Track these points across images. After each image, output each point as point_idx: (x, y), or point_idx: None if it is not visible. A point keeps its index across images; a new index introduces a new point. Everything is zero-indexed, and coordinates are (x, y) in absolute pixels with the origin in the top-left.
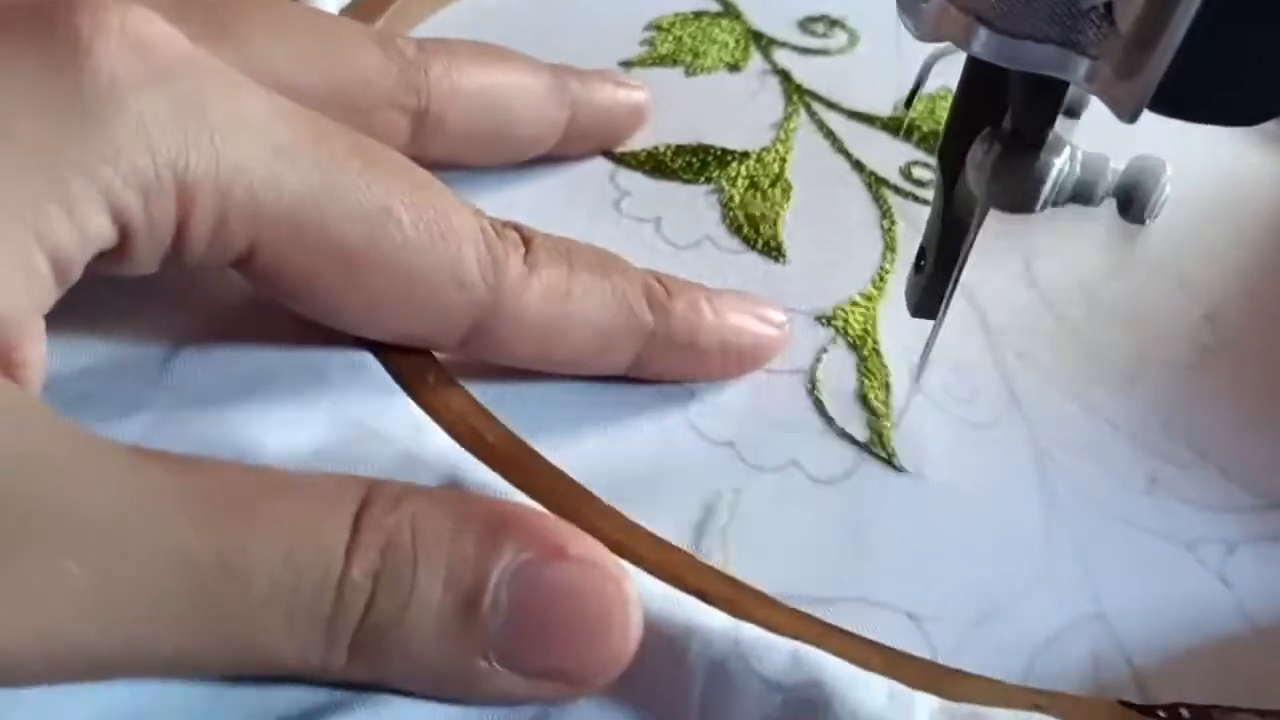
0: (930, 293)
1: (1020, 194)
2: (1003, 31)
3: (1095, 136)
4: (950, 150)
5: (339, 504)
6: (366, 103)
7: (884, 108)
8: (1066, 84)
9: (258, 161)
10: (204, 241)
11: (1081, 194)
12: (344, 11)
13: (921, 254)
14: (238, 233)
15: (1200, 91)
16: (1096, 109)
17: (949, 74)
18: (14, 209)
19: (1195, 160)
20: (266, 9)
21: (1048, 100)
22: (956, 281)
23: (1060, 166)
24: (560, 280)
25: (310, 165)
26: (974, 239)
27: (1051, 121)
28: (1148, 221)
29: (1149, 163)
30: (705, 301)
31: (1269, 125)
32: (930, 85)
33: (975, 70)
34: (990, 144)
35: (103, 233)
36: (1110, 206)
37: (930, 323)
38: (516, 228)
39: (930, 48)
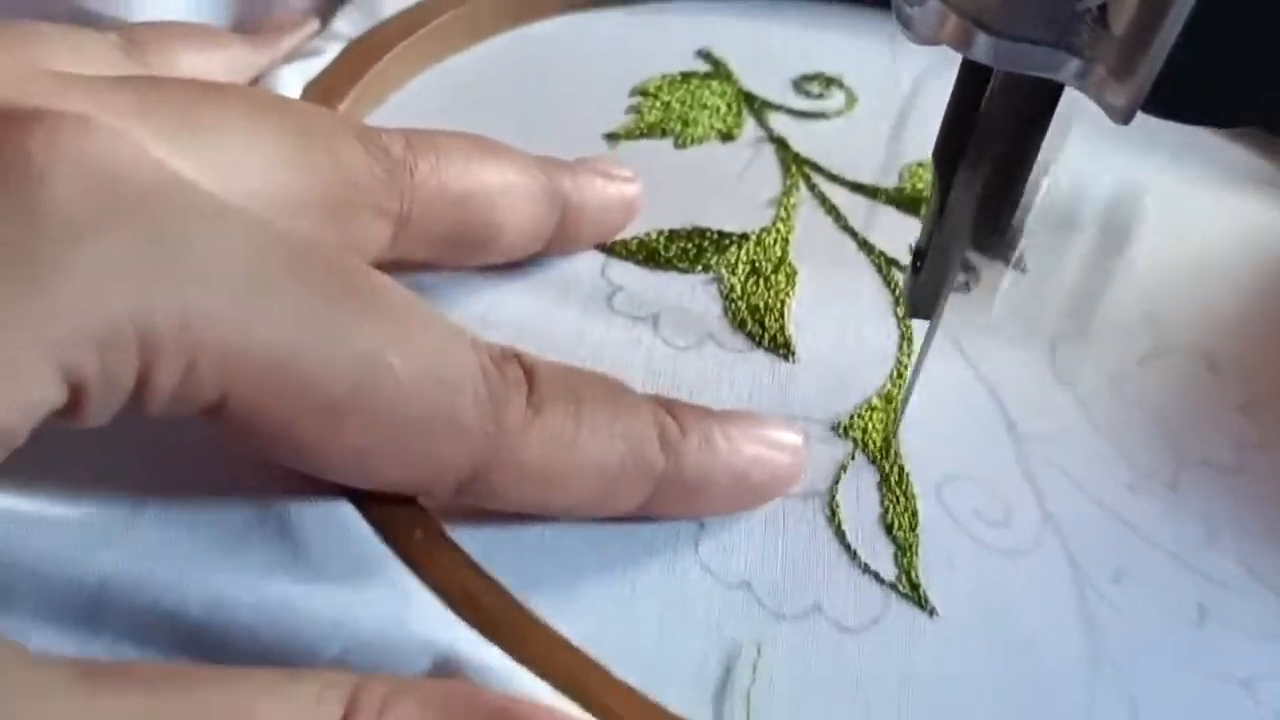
0: (927, 295)
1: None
2: (1000, 35)
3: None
4: (946, 150)
5: (321, 713)
6: (348, 207)
7: (889, 178)
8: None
9: (231, 305)
10: (168, 393)
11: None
12: (311, 86)
13: (918, 255)
14: (207, 383)
15: (1193, 93)
16: None
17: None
18: None
19: (1211, 229)
20: (240, 102)
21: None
22: (950, 284)
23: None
24: (566, 425)
25: (291, 307)
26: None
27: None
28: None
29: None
30: (719, 435)
31: None
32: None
33: (971, 71)
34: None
35: (53, 396)
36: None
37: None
38: (518, 357)
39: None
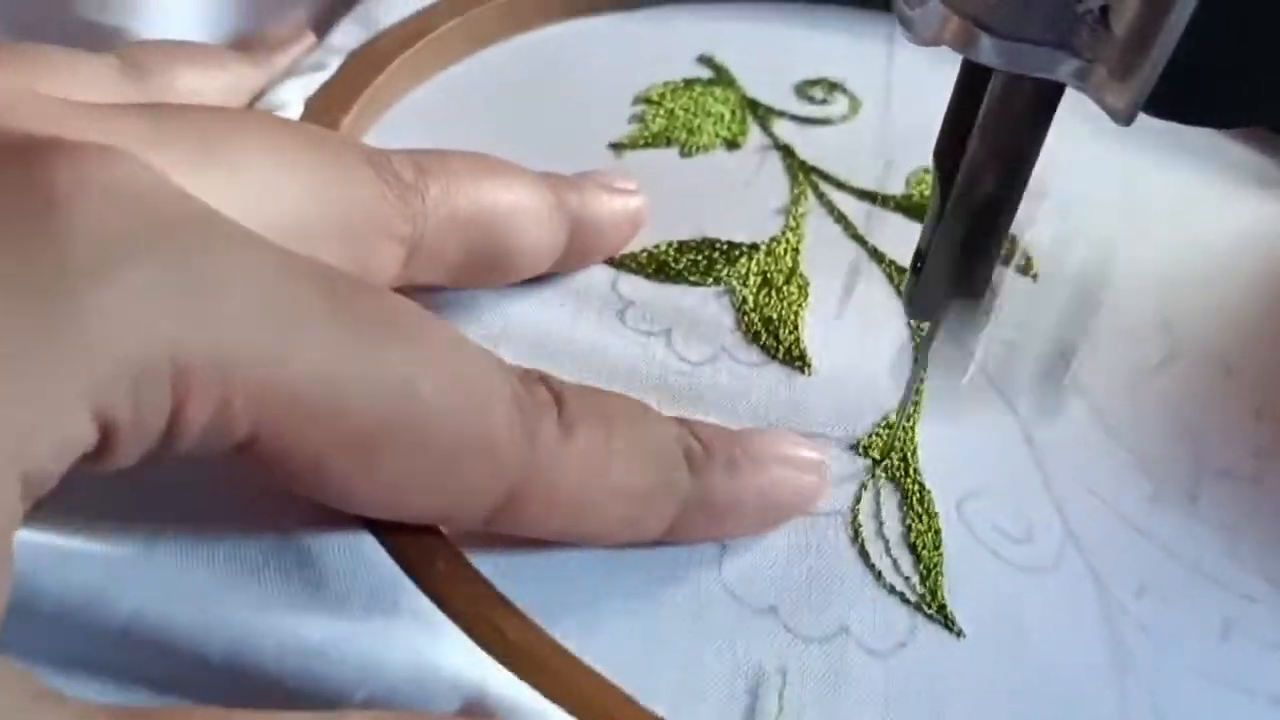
0: (928, 296)
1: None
2: (1000, 35)
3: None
4: (947, 151)
5: None
6: (362, 233)
7: (895, 184)
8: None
9: (265, 338)
10: (199, 432)
11: None
12: (312, 100)
13: (918, 257)
14: (240, 420)
15: (1195, 94)
16: None
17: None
18: None
19: (1222, 232)
20: (253, 129)
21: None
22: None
23: None
24: (597, 449)
25: (324, 337)
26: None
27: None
28: None
29: None
30: (743, 456)
31: None
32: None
33: (972, 72)
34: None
35: (85, 438)
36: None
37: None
38: (543, 380)
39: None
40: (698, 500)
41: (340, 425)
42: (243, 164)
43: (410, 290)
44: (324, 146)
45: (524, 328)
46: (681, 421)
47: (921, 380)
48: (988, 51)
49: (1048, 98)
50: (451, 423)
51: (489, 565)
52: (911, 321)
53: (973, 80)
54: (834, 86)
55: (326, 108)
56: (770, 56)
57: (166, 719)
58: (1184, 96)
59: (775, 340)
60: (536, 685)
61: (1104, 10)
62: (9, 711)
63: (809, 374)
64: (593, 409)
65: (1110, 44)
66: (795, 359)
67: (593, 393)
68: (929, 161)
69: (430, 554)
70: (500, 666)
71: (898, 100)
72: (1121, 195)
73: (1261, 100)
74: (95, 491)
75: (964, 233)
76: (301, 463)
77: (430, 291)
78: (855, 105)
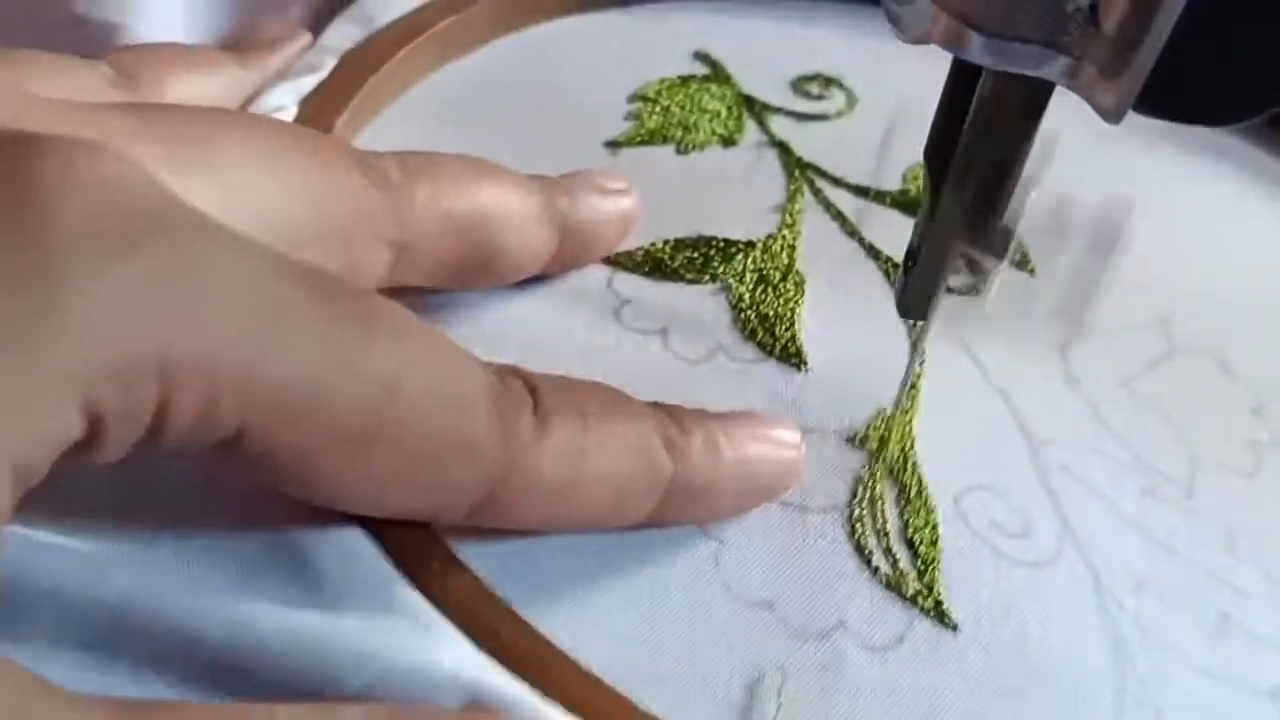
0: (919, 295)
1: None
2: (989, 34)
3: None
4: (937, 149)
5: None
6: (349, 235)
7: (892, 180)
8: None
9: (249, 335)
10: (185, 427)
11: None
12: (309, 98)
13: (910, 255)
14: (225, 416)
15: (1184, 92)
16: None
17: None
18: None
19: (1219, 228)
20: (238, 127)
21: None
22: (942, 286)
23: None
24: (574, 438)
25: (308, 335)
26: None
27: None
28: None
29: None
30: (721, 435)
31: None
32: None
33: (961, 70)
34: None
35: (72, 430)
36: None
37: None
38: (517, 373)
39: None
40: (678, 482)
41: (324, 423)
42: (229, 164)
43: (401, 290)
44: (311, 147)
45: (519, 327)
46: (658, 406)
47: (918, 375)
48: (977, 50)
49: (1038, 96)
50: (433, 421)
51: (483, 558)
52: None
53: (962, 78)
54: (830, 82)
55: (320, 109)
56: (766, 52)
57: (162, 713)
58: (1174, 94)
59: (771, 337)
60: (534, 684)
61: (1093, 8)
62: (3, 704)
63: (805, 370)
64: (568, 400)
65: (1099, 42)
66: (791, 355)
67: (567, 383)
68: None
69: (425, 552)
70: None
71: (894, 95)
72: (1120, 190)
73: (1252, 96)
74: (90, 487)
75: (955, 231)
76: (286, 460)
77: (422, 291)
78: (852, 100)
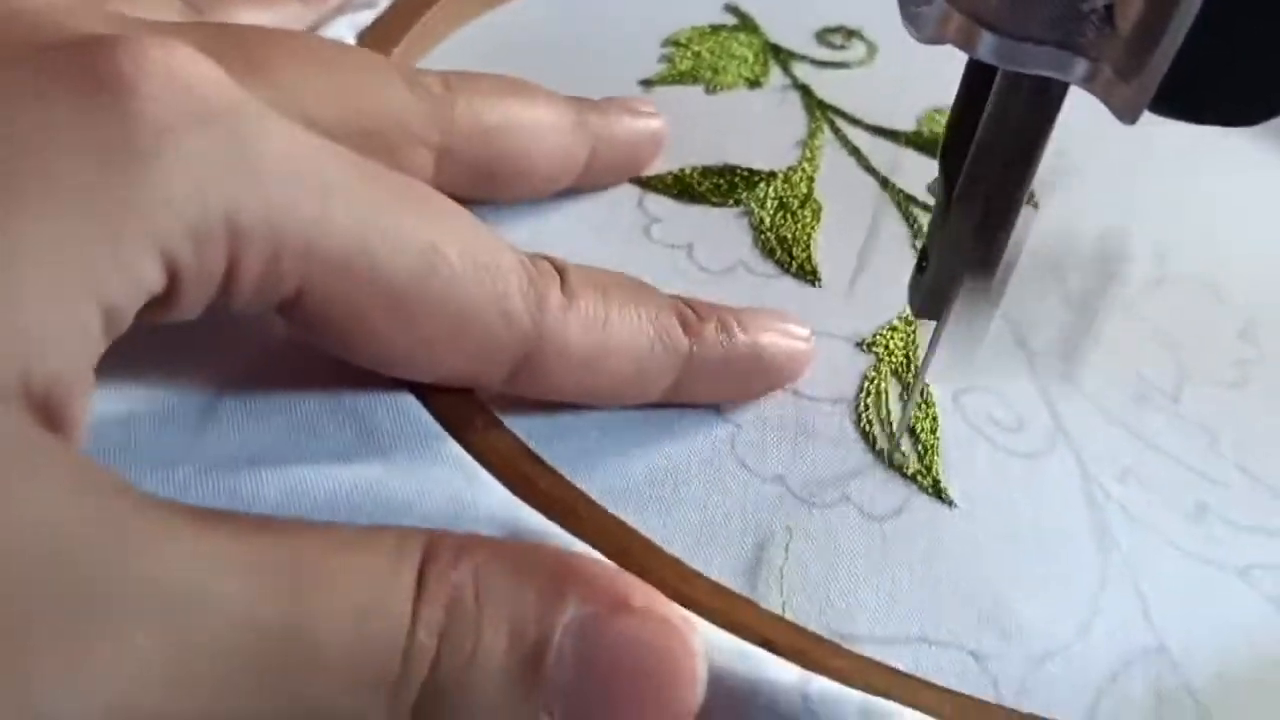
0: (933, 294)
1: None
2: (1005, 35)
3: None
4: (952, 149)
5: (402, 561)
6: (394, 140)
7: (907, 122)
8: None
9: (308, 202)
10: (253, 286)
11: None
12: (365, 33)
13: (923, 255)
14: (287, 276)
15: (1201, 92)
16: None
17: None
18: (65, 258)
19: (1221, 165)
20: (294, 45)
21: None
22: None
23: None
24: (598, 310)
25: (359, 204)
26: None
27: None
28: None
29: None
30: (735, 321)
31: None
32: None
33: (976, 70)
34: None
35: (154, 281)
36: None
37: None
38: (548, 259)
39: None
40: (696, 359)
41: (374, 284)
42: (285, 73)
43: None
44: (362, 62)
45: (553, 239)
46: (677, 296)
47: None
48: (991, 50)
49: (1052, 96)
50: (473, 283)
51: (522, 425)
52: (917, 244)
53: (977, 78)
54: (852, 34)
55: (376, 43)
56: (792, 5)
57: (244, 522)
58: (1190, 94)
59: (789, 256)
60: (566, 527)
61: (1108, 8)
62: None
63: (819, 286)
64: (591, 278)
65: (1115, 42)
66: (808, 273)
67: (591, 268)
68: (939, 102)
69: (468, 414)
70: (533, 510)
71: (913, 47)
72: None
73: (1269, 96)
74: (157, 353)
75: (969, 230)
76: (340, 319)
77: (463, 203)
78: (872, 50)
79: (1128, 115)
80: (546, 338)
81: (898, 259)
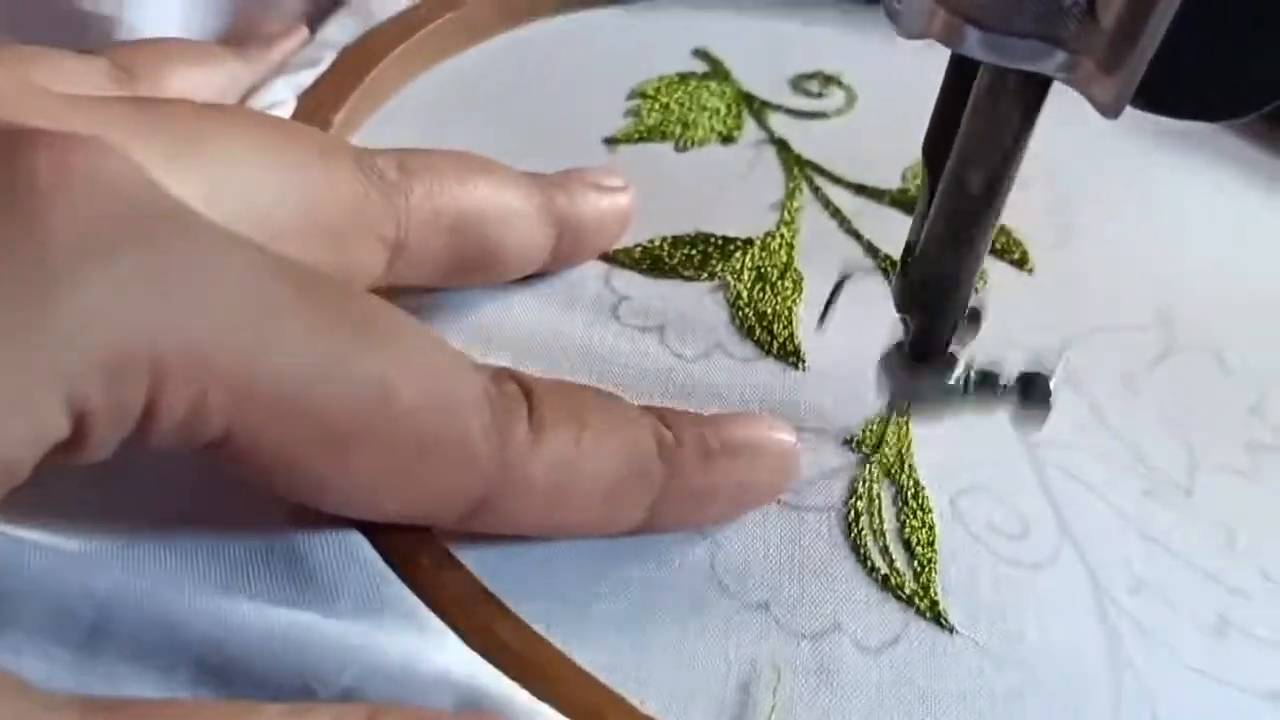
0: (918, 290)
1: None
2: (986, 28)
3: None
4: (935, 146)
5: None
6: (345, 233)
7: (891, 176)
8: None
9: (240, 334)
10: (174, 425)
11: (987, 381)
12: (307, 93)
13: (908, 251)
14: (215, 415)
15: (1181, 87)
16: None
17: None
18: None
19: (1218, 225)
20: (236, 125)
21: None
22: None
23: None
24: (568, 444)
25: (298, 336)
26: None
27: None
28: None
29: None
30: (713, 440)
31: None
32: None
33: (960, 66)
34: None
35: (58, 428)
36: None
37: None
38: (514, 377)
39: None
40: (672, 490)
41: (314, 423)
42: (224, 160)
43: (398, 289)
44: (307, 144)
45: (517, 324)
46: (651, 410)
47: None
48: (974, 44)
49: (1035, 91)
50: (425, 424)
51: (477, 559)
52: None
53: (961, 74)
54: (830, 79)
55: (319, 104)
56: (766, 50)
57: (134, 712)
58: (1171, 89)
59: (769, 335)
60: (527, 685)
61: (1091, 3)
62: None
63: (803, 369)
64: (563, 405)
65: (1097, 36)
66: (789, 354)
67: (563, 387)
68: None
69: (416, 549)
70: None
71: (895, 93)
72: (1120, 188)
73: (1249, 92)
74: (76, 485)
75: (952, 226)
76: (275, 460)
77: (419, 289)
78: (851, 98)
79: (1110, 110)
80: (508, 478)
81: (883, 333)
